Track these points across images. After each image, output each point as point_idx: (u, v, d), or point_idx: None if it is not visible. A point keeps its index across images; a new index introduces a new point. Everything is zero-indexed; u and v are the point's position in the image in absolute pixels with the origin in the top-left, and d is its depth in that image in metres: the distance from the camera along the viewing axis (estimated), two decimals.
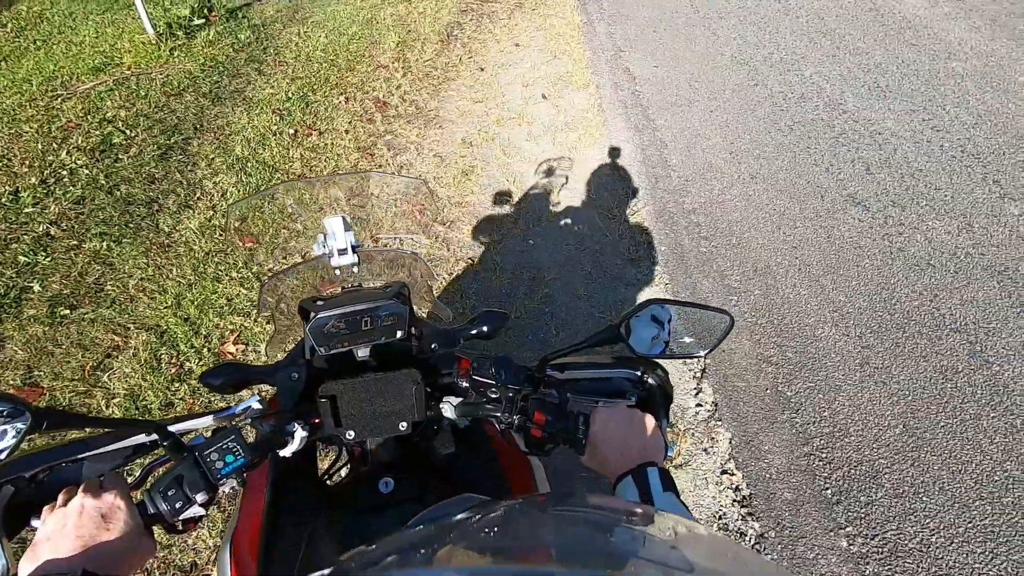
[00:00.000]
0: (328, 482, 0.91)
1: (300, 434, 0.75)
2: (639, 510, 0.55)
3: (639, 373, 0.84)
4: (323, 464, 0.99)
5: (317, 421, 0.78)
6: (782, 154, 3.49)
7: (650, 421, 0.74)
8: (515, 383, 0.77)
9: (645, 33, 5.00)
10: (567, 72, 4.39)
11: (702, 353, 0.80)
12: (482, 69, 4.48)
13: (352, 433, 0.78)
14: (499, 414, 0.77)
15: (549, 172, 3.39)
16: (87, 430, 0.71)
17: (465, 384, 0.81)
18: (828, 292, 2.60)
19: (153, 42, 4.36)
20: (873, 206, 3.07)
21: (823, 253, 2.80)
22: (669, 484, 0.67)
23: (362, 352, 0.82)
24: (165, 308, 2.43)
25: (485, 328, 0.89)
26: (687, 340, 0.80)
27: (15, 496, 0.65)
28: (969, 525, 1.82)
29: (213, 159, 3.31)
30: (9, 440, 0.59)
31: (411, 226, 1.24)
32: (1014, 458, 1.98)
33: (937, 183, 3.21)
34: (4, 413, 0.59)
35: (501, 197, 3.20)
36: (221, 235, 2.79)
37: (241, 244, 2.73)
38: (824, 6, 5.43)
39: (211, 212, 2.93)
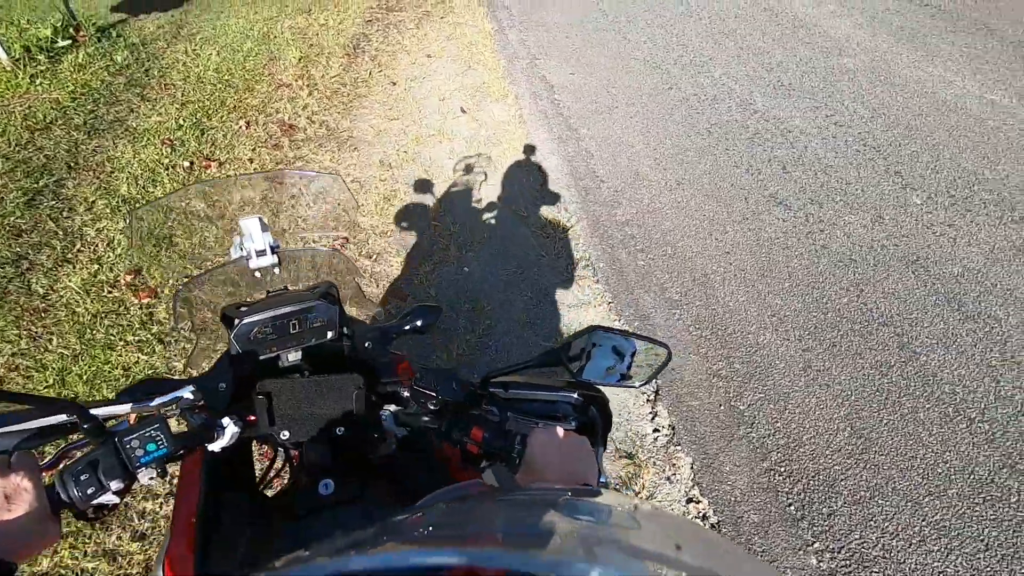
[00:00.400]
0: (267, 491, 0.88)
1: (232, 429, 0.73)
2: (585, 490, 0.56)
3: (579, 398, 0.84)
4: (260, 473, 0.95)
5: (252, 419, 0.77)
6: (703, 157, 3.53)
7: (586, 446, 0.73)
8: (456, 398, 0.77)
9: (557, 39, 4.97)
10: (483, 83, 4.26)
11: (637, 384, 0.81)
12: (394, 83, 4.26)
13: (287, 433, 0.77)
14: (437, 427, 0.77)
15: (475, 190, 3.25)
16: (4, 405, 0.63)
17: (406, 394, 0.81)
18: (764, 297, 2.63)
19: (8, 69, 3.80)
20: (794, 205, 3.16)
21: (755, 256, 2.84)
22: None
23: (292, 356, 0.81)
24: (45, 388, 2.07)
25: (419, 323, 0.88)
26: (625, 369, 0.80)
27: None
28: (924, 523, 1.86)
29: (94, 202, 2.90)
30: None
31: (330, 223, 1.12)
32: (951, 448, 2.06)
33: (847, 178, 3.36)
34: None
35: (429, 222, 3.02)
36: (110, 292, 2.43)
37: (136, 300, 2.39)
38: (724, 8, 5.63)
39: (96, 266, 2.55)
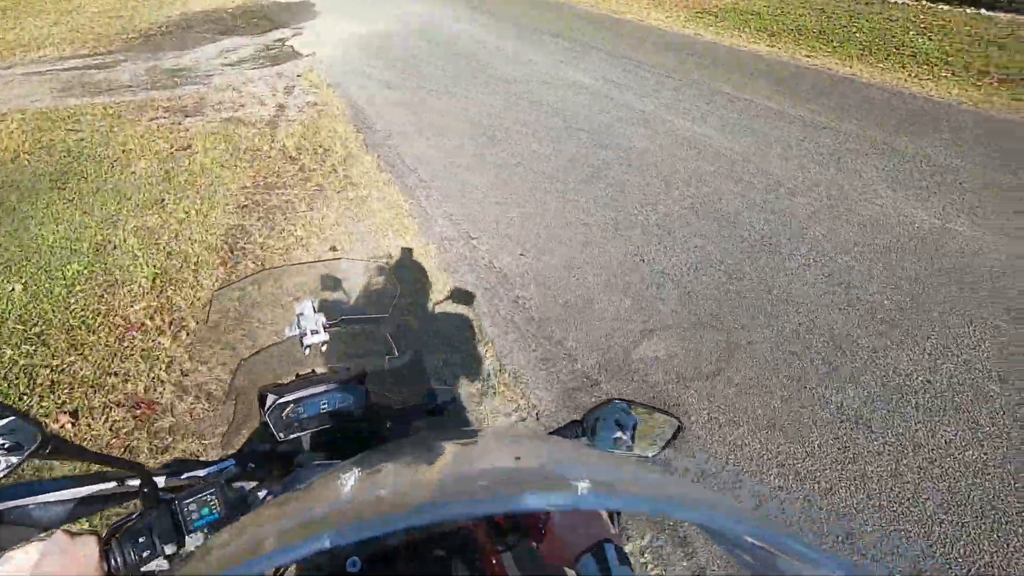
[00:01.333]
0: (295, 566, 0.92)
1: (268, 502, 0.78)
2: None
3: None
4: None
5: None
6: None
7: (603, 518, 0.77)
8: None
9: (487, 209, 4.21)
10: (420, 288, 3.32)
11: (649, 455, 0.86)
12: (296, 298, 3.18)
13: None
14: None
15: None
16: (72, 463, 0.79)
17: None
18: None
19: None
20: None
21: None
22: (624, 559, 0.71)
23: (322, 432, 0.88)
24: None
25: (435, 407, 0.95)
26: (639, 440, 0.85)
27: None
28: None
29: None
30: (11, 462, 0.61)
31: (374, 305, 1.19)
32: None
33: None
34: (15, 433, 0.62)
35: None
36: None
37: None
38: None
39: None
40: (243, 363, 1.09)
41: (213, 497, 0.71)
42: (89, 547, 0.63)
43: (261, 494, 0.78)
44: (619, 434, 0.85)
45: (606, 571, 0.67)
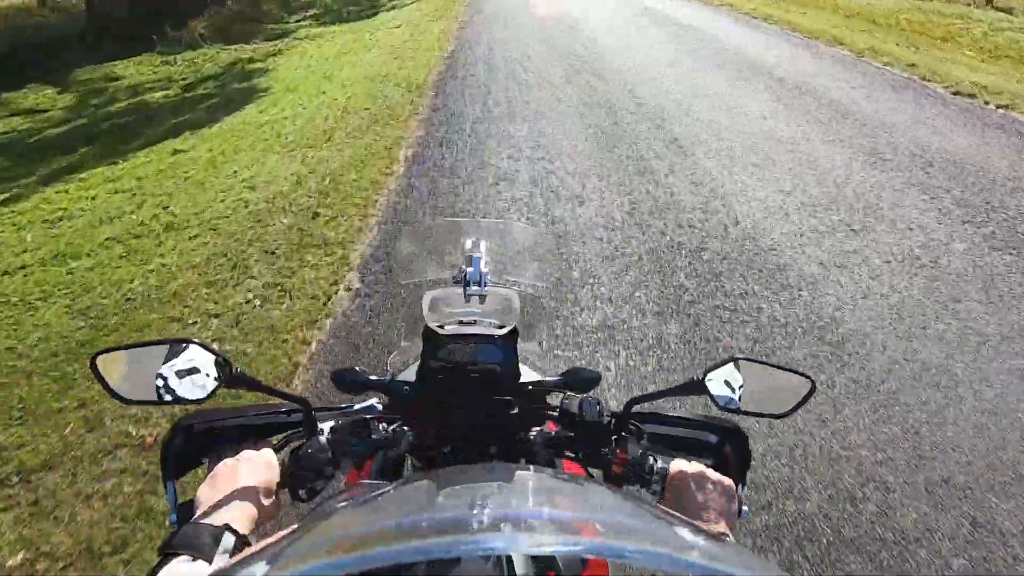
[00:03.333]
0: None
1: (406, 440, 0.84)
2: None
3: (718, 437, 0.88)
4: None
5: (421, 432, 0.87)
6: None
7: (730, 487, 0.76)
8: (600, 421, 0.84)
9: None
10: None
11: (779, 415, 0.83)
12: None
13: (448, 448, 0.86)
14: (583, 449, 0.84)
15: None
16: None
17: (552, 414, 0.90)
18: None
19: None
20: None
21: None
22: None
23: (468, 376, 0.90)
24: None
25: (576, 385, 0.94)
26: (766, 400, 0.83)
27: (188, 442, 0.77)
28: None
29: None
30: (208, 388, 0.71)
31: (535, 275, 1.28)
32: None
33: None
34: (206, 363, 0.71)
35: None
36: None
37: None
38: None
39: None
40: (413, 291, 1.18)
41: (360, 431, 0.80)
42: (271, 464, 0.73)
43: (401, 433, 0.85)
44: (753, 393, 0.81)
45: None
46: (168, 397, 0.71)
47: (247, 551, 0.58)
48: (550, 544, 0.43)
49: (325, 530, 0.51)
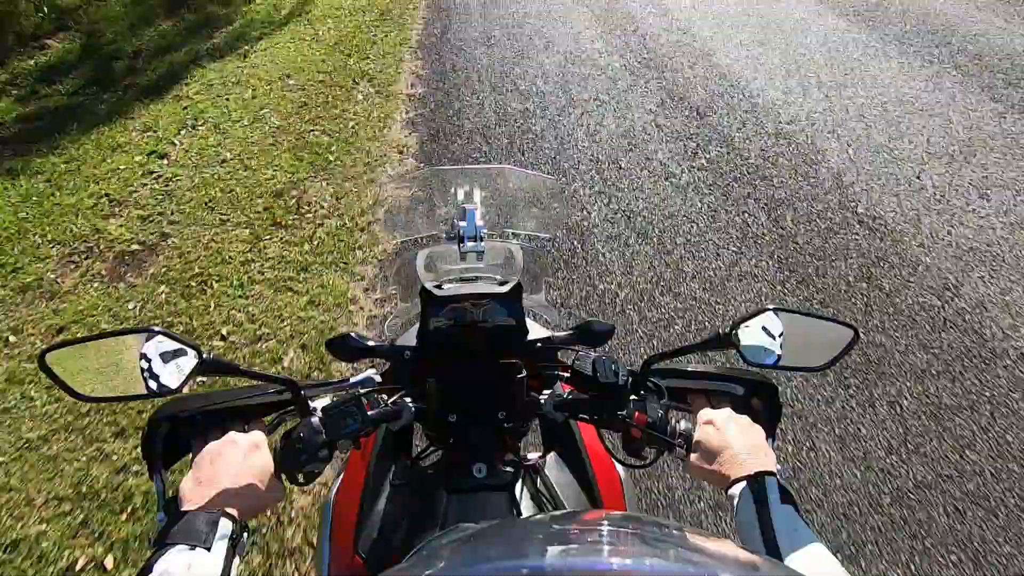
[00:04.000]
0: (422, 462, 0.94)
1: (409, 411, 0.81)
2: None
3: (744, 390, 0.82)
4: (418, 443, 1.01)
5: (425, 400, 0.83)
6: None
7: (760, 432, 0.73)
8: (617, 382, 0.77)
9: None
10: None
11: (818, 367, 0.77)
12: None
13: (455, 417, 0.82)
14: (599, 412, 0.78)
15: None
16: (232, 381, 0.84)
17: (566, 375, 0.85)
18: None
19: None
20: None
21: None
22: (788, 497, 0.63)
23: (472, 338, 0.85)
24: None
25: (589, 339, 0.90)
26: (803, 352, 0.76)
27: (171, 432, 0.73)
28: None
29: None
30: (181, 376, 0.65)
31: (539, 224, 1.18)
32: None
33: None
34: (174, 352, 0.66)
35: None
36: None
37: None
38: None
39: None
40: (404, 251, 1.10)
41: (355, 408, 0.74)
42: (260, 447, 0.68)
43: (402, 405, 0.80)
44: (770, 344, 0.75)
45: (762, 505, 0.62)
46: (151, 386, 0.65)
47: None
48: None
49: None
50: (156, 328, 0.66)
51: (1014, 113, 3.71)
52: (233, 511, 0.60)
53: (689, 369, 0.84)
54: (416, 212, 1.17)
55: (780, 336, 0.74)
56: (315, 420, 0.71)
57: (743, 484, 0.64)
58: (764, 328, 0.74)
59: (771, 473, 0.64)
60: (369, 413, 0.75)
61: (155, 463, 0.71)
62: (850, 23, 5.13)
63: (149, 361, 0.65)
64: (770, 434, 0.77)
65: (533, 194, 1.21)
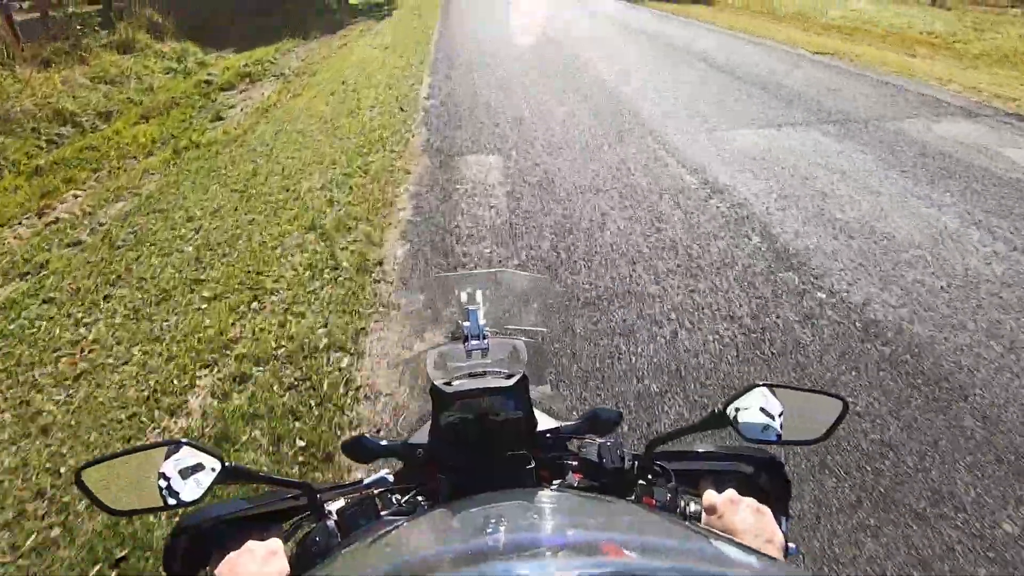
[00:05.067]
0: None
1: (422, 509, 0.80)
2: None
3: (752, 468, 0.83)
4: None
5: (437, 498, 0.83)
6: None
7: (768, 514, 0.71)
8: (622, 467, 0.80)
9: None
10: None
11: (812, 440, 0.78)
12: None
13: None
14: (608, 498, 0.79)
15: None
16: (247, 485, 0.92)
17: (574, 464, 0.85)
18: None
19: None
20: None
21: None
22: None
23: (482, 432, 0.86)
24: None
25: (597, 428, 0.91)
26: (797, 425, 0.77)
27: (192, 542, 0.75)
28: None
29: None
30: (201, 489, 0.69)
31: (533, 319, 1.25)
32: None
33: None
34: (195, 466, 0.69)
35: None
36: None
37: None
38: None
39: None
40: (408, 360, 1.17)
41: (369, 509, 0.76)
42: (277, 553, 0.70)
43: (415, 501, 0.82)
44: (767, 421, 0.76)
45: None
46: (170, 501, 0.68)
47: None
48: (572, 569, 0.41)
49: (351, 567, 0.50)
50: (184, 440, 0.70)
51: None
52: None
53: (694, 450, 0.85)
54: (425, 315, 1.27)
55: (779, 414, 0.76)
56: (330, 524, 0.74)
57: None
58: (761, 407, 0.76)
59: (773, 559, 0.64)
60: (383, 513, 0.77)
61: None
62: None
63: (168, 479, 0.68)
64: (783, 513, 0.77)
65: (527, 291, 1.28)
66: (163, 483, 0.68)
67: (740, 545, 0.52)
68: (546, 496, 0.57)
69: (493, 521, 0.50)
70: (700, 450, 0.86)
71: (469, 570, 0.39)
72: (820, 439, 0.77)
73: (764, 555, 0.55)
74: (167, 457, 0.69)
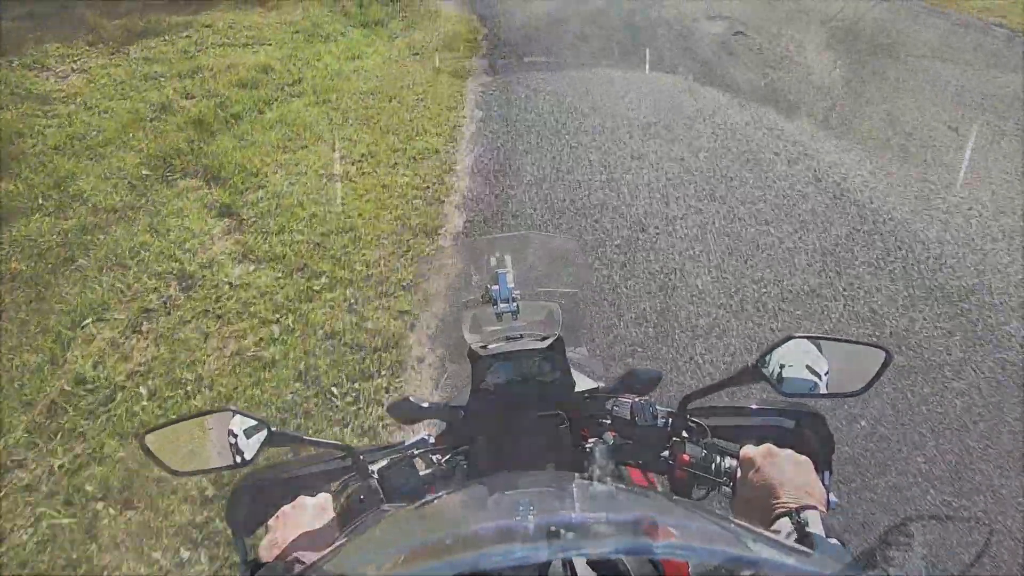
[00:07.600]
0: None
1: (461, 469, 0.84)
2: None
3: (793, 422, 0.80)
4: None
5: (477, 457, 0.84)
6: None
7: (808, 465, 0.70)
8: (658, 424, 0.80)
9: None
10: None
11: (853, 392, 0.74)
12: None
13: (507, 471, 0.82)
14: (643, 455, 0.80)
15: None
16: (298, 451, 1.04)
17: (608, 423, 0.85)
18: None
19: None
20: None
21: None
22: (833, 532, 0.60)
23: (519, 393, 0.87)
24: None
25: (635, 388, 0.90)
26: (837, 378, 0.74)
27: (252, 502, 0.80)
28: None
29: None
30: (253, 450, 0.73)
31: (564, 281, 1.26)
32: None
33: None
34: (248, 428, 0.74)
35: None
36: None
37: None
38: None
39: None
40: (454, 316, 1.24)
41: (408, 469, 0.80)
42: (327, 508, 0.76)
43: (454, 464, 0.84)
44: (805, 375, 0.73)
45: (805, 539, 0.59)
46: (226, 463, 0.74)
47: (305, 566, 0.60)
48: (610, 546, 0.41)
49: (382, 542, 0.53)
50: (233, 408, 0.76)
51: None
52: (304, 559, 0.66)
53: (732, 405, 0.85)
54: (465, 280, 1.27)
55: (818, 364, 0.73)
56: (373, 482, 0.78)
57: (785, 519, 0.62)
58: (800, 360, 0.73)
59: (814, 508, 0.62)
60: (422, 473, 0.81)
61: (237, 529, 0.80)
62: None
63: (222, 442, 0.74)
64: (825, 467, 0.75)
65: (554, 255, 1.30)
66: (218, 446, 0.74)
67: (776, 541, 0.52)
68: (583, 483, 0.57)
69: (527, 500, 0.51)
70: (737, 405, 0.85)
71: (502, 547, 0.40)
72: (861, 391, 0.73)
73: (797, 548, 0.54)
74: (219, 423, 0.74)
